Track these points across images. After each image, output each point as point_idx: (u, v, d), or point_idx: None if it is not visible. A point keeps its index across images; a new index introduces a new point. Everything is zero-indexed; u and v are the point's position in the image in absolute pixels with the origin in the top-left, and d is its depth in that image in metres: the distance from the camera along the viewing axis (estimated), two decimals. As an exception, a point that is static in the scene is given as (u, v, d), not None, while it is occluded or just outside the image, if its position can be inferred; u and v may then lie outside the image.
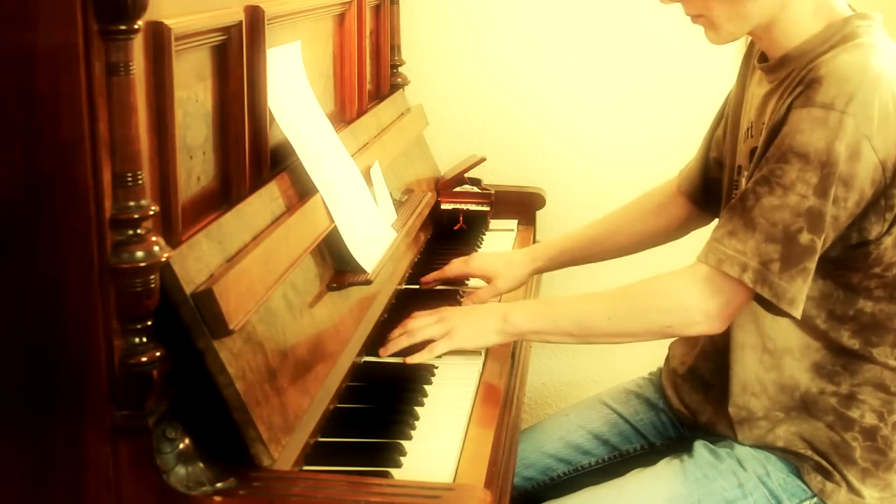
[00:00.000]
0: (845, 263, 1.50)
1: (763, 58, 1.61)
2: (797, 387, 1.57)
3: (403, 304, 1.81)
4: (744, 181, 1.62)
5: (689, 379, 1.75)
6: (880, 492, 1.58)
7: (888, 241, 1.49)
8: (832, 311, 1.54)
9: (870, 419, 1.56)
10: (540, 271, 1.97)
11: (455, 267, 1.92)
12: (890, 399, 1.57)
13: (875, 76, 1.42)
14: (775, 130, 1.46)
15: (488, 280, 1.89)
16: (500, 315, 1.61)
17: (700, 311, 1.49)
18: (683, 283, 1.51)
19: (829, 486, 1.56)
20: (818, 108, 1.40)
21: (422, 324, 1.63)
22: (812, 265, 1.43)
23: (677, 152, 1.97)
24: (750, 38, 1.64)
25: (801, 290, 1.43)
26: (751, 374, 1.59)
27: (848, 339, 1.55)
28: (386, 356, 1.60)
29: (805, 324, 1.53)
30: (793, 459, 1.59)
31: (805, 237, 1.42)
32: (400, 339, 1.61)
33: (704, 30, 1.55)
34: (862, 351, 1.55)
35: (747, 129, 1.63)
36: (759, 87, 1.61)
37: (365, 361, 1.59)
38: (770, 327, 1.57)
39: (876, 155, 1.41)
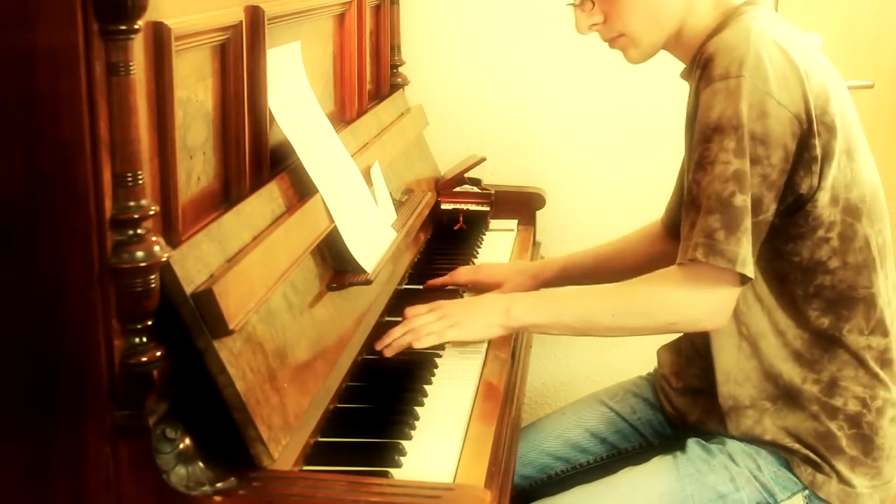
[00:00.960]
0: (789, 231, 1.53)
1: (684, 72, 1.68)
2: (779, 375, 1.59)
3: (403, 304, 1.82)
4: None
5: (679, 389, 1.77)
6: (871, 480, 1.58)
7: (823, 198, 1.52)
8: (793, 293, 1.56)
9: (853, 406, 1.57)
10: (546, 284, 1.96)
11: (463, 274, 1.93)
12: (872, 383, 1.58)
13: (758, 38, 1.49)
14: (693, 119, 1.53)
15: (496, 288, 1.88)
16: (503, 308, 1.62)
17: (697, 308, 1.53)
18: (676, 284, 1.53)
19: (820, 477, 1.57)
20: (717, 80, 1.47)
21: (424, 321, 1.63)
22: (749, 223, 1.46)
23: (678, 152, 1.97)
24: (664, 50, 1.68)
25: (748, 251, 1.47)
26: (732, 362, 1.61)
27: (817, 319, 1.56)
28: (390, 355, 1.60)
29: (772, 307, 1.56)
30: (783, 453, 1.60)
31: (738, 199, 1.46)
32: (403, 339, 1.61)
33: (624, 52, 1.65)
34: (834, 331, 1.56)
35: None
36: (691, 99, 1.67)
37: (365, 361, 1.59)
38: (742, 313, 1.58)
39: (786, 109, 1.47)
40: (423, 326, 1.62)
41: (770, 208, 1.49)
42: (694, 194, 1.50)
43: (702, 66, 1.52)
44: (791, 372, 1.58)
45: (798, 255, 1.55)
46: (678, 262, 1.52)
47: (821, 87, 1.51)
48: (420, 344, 1.59)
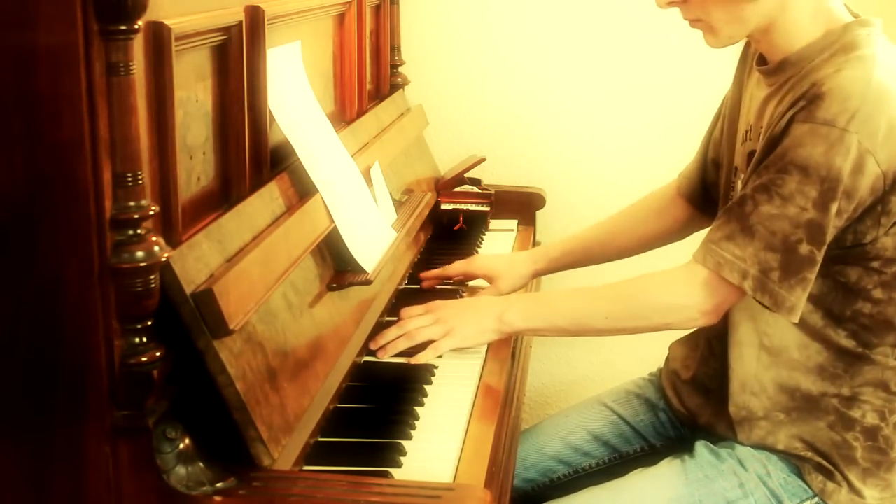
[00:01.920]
0: (842, 259, 1.51)
1: (761, 60, 1.61)
2: (797, 388, 1.57)
3: (403, 304, 1.82)
4: (740, 183, 1.62)
5: (689, 384, 1.76)
6: (881, 492, 1.58)
7: (887, 241, 1.49)
8: (829, 311, 1.54)
9: (871, 419, 1.56)
10: (542, 273, 1.97)
11: (457, 266, 1.92)
12: (891, 399, 1.57)
13: (877, 92, 1.42)
14: (775, 140, 1.47)
15: (490, 280, 1.89)
16: (496, 314, 1.61)
17: (697, 310, 1.52)
18: (680, 283, 1.53)
19: (830, 486, 1.56)
20: (820, 124, 1.41)
21: (419, 324, 1.63)
22: (811, 275, 1.45)
23: (677, 152, 1.97)
24: (746, 39, 1.64)
25: (799, 299, 1.45)
26: (749, 373, 1.60)
27: (845, 340, 1.55)
28: (385, 358, 1.60)
29: (801, 322, 1.53)
30: (793, 460, 1.59)
31: (804, 248, 1.43)
32: (398, 342, 1.61)
33: (703, 34, 1.55)
34: (861, 351, 1.55)
35: (745, 132, 1.63)
36: (757, 90, 1.62)
37: (365, 361, 1.59)
38: (767, 324, 1.57)
39: (879, 167, 1.43)
40: (417, 330, 1.62)
41: (824, 250, 1.46)
42: (747, 212, 1.46)
43: (809, 98, 1.43)
44: (810, 385, 1.57)
45: (844, 277, 1.52)
46: (696, 260, 1.50)
47: None
48: (417, 360, 1.58)
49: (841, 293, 1.53)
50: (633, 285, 1.59)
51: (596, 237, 1.97)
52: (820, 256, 1.45)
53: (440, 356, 1.61)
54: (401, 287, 1.89)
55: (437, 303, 1.68)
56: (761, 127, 1.56)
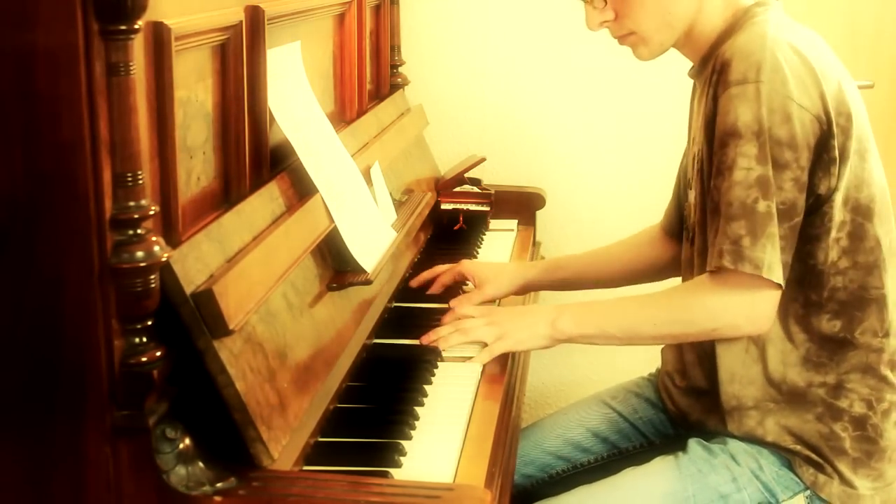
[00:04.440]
0: (806, 233, 1.53)
1: (692, 70, 1.68)
2: (783, 380, 1.58)
3: (403, 302, 1.82)
4: (692, 195, 1.64)
5: (681, 388, 1.76)
6: (873, 482, 1.58)
7: (837, 198, 1.52)
8: (808, 297, 1.56)
9: (859, 408, 1.57)
10: (530, 285, 1.94)
11: (445, 265, 1.92)
12: (879, 385, 1.57)
13: (773, 42, 1.50)
14: (710, 126, 1.52)
15: (476, 285, 1.87)
16: (550, 321, 1.62)
17: (735, 314, 1.52)
18: (711, 291, 1.53)
19: (822, 478, 1.57)
20: (734, 86, 1.47)
21: (474, 325, 1.64)
22: (776, 229, 1.47)
23: (677, 152, 1.97)
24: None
25: (773, 256, 1.47)
26: (738, 364, 1.61)
27: (828, 323, 1.56)
28: (443, 347, 1.62)
29: (785, 313, 1.55)
30: (784, 453, 1.60)
31: (762, 205, 1.46)
32: (451, 337, 1.63)
33: (633, 49, 1.65)
34: (845, 335, 1.56)
35: (692, 139, 1.67)
36: (695, 101, 1.68)
37: (365, 361, 1.59)
38: None
39: (807, 111, 1.47)
40: (472, 329, 1.63)
41: (801, 210, 1.49)
42: (715, 200, 1.50)
43: (718, 70, 1.51)
44: (796, 377, 1.58)
45: (813, 258, 1.55)
46: (708, 270, 1.51)
47: (836, 88, 1.52)
48: (473, 362, 1.59)
49: (814, 276, 1.55)
50: (675, 291, 1.62)
51: (590, 259, 1.98)
52: (777, 208, 1.46)
53: (440, 358, 1.61)
54: (401, 287, 1.89)
55: (491, 307, 1.70)
56: (697, 128, 1.61)
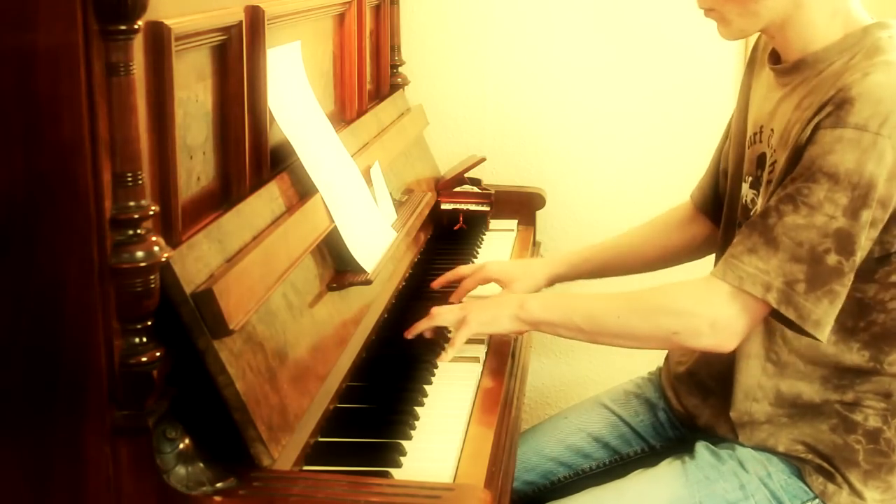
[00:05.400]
0: (864, 276, 1.48)
1: (775, 58, 1.59)
2: (800, 396, 1.57)
3: (403, 305, 1.82)
4: (745, 187, 1.61)
5: (686, 382, 1.75)
6: (882, 493, 1.57)
7: None
8: (843, 324, 1.51)
9: (873, 422, 1.56)
10: (559, 278, 1.91)
11: (469, 267, 1.89)
12: (894, 404, 1.56)
13: None
14: (800, 150, 1.44)
15: (504, 285, 1.85)
16: (518, 303, 1.60)
17: (706, 321, 1.47)
18: (696, 292, 1.50)
19: (831, 487, 1.56)
20: (851, 129, 1.38)
21: (441, 310, 1.65)
22: (839, 287, 1.41)
23: (677, 153, 1.97)
24: (754, 43, 1.63)
25: (826, 313, 1.41)
26: (753, 382, 1.59)
27: (857, 352, 1.53)
28: (411, 336, 1.64)
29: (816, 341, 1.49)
30: (794, 461, 1.59)
31: (832, 258, 1.40)
32: (420, 324, 1.64)
33: (716, 24, 1.54)
34: (871, 364, 1.54)
35: (753, 135, 1.62)
36: (769, 92, 1.59)
37: (365, 361, 1.59)
38: (779, 344, 1.56)
39: None
40: (437, 315, 1.64)
41: (856, 266, 1.43)
42: (771, 224, 1.42)
43: (836, 104, 1.40)
44: (814, 395, 1.57)
45: (862, 293, 1.50)
46: (715, 276, 1.46)
47: None
48: (442, 359, 1.59)
49: (856, 308, 1.51)
50: (651, 289, 1.57)
51: (617, 246, 1.93)
52: (849, 268, 1.41)
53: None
54: (401, 287, 1.89)
55: (466, 304, 1.68)
56: (772, 129, 1.55)
